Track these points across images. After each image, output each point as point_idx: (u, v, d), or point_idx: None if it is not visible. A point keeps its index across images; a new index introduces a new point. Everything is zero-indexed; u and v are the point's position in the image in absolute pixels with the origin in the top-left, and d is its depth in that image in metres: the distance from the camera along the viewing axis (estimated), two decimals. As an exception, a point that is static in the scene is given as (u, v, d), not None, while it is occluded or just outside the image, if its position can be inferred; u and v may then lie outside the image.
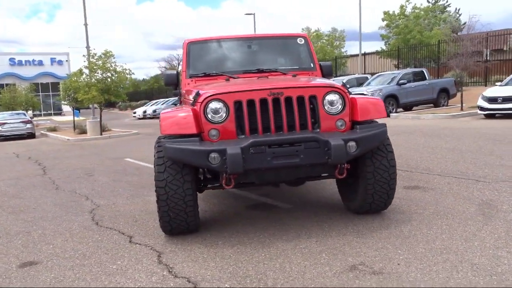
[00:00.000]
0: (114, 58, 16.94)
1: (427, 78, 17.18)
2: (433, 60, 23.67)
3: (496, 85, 13.93)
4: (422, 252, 3.17)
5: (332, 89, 3.74)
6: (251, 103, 3.60)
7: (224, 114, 3.59)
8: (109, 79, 16.78)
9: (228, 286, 2.84)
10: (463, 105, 15.15)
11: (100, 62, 16.53)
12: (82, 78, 16.99)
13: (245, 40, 5.13)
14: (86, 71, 17.05)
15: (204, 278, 2.98)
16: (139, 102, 45.50)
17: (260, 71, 4.78)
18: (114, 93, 16.80)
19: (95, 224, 4.53)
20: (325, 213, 4.30)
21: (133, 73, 18.22)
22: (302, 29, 38.48)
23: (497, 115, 12.81)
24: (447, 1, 35.98)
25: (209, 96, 3.60)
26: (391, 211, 4.18)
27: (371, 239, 3.51)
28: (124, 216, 4.74)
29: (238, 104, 3.60)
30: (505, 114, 12.41)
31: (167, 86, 5.06)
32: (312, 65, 5.03)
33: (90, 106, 19.97)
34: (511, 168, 5.72)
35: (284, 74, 4.78)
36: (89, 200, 5.70)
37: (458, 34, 27.42)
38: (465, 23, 32.06)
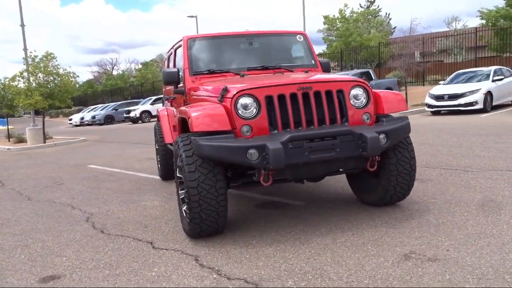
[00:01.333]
0: (56, 60, 15.97)
1: (373, 78, 17.95)
2: (372, 61, 24.86)
3: (440, 84, 14.91)
4: (462, 238, 3.28)
5: (357, 83, 3.77)
6: (281, 98, 3.54)
7: (255, 110, 3.49)
8: (51, 83, 15.77)
9: (291, 284, 2.76)
10: (407, 103, 16.05)
11: (42, 64, 15.48)
12: (21, 83, 15.82)
13: (246, 37, 5.05)
14: (25, 74, 15.89)
15: (262, 277, 2.87)
16: (72, 109, 43.23)
17: (264, 68, 4.73)
18: (58, 97, 15.79)
19: (101, 233, 4.21)
20: (342, 207, 4.33)
21: (77, 76, 17.24)
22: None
23: (442, 111, 13.69)
24: (378, 6, 37.91)
25: (240, 91, 3.49)
26: (405, 202, 4.29)
27: (404, 228, 3.58)
28: (129, 223, 4.45)
29: (268, 99, 3.52)
30: (450, 110, 13.30)
31: (167, 84, 4.83)
32: (313, 62, 5.05)
33: (27, 113, 18.63)
34: (488, 158, 6.11)
35: (290, 71, 4.77)
36: (76, 209, 5.29)
37: (389, 37, 29.04)
38: (395, 27, 34.05)
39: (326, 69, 5.08)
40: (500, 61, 20.52)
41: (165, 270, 3.15)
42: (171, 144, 6.01)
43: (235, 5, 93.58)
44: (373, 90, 3.88)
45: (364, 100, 3.77)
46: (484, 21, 23.44)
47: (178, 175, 3.95)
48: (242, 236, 3.72)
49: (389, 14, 36.72)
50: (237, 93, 3.48)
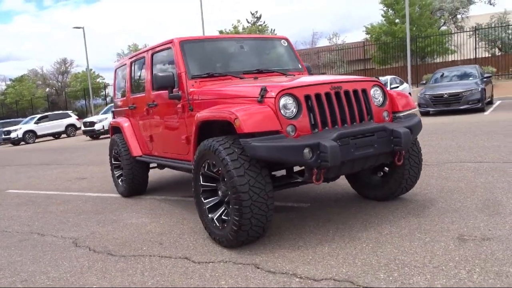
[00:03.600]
0: None
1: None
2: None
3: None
4: (500, 219, 3.58)
5: (375, 83, 3.96)
6: (317, 97, 3.56)
7: (295, 110, 3.46)
8: None
9: (384, 275, 2.77)
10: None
11: None
12: None
13: (236, 41, 4.96)
14: None
15: (350, 275, 2.83)
16: None
17: (259, 71, 4.70)
18: None
19: (110, 255, 3.73)
20: (355, 204, 4.46)
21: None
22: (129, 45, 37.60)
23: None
24: (264, 22, 39.65)
25: (281, 91, 3.43)
26: (415, 192, 4.58)
27: (431, 216, 3.83)
28: (135, 242, 4.01)
29: (306, 98, 3.51)
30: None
31: (160, 89, 4.49)
32: (300, 66, 5.16)
33: None
34: (469, 152, 6.82)
35: (283, 74, 4.81)
36: (47, 235, 4.59)
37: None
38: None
39: (310, 72, 5.23)
40: (382, 72, 22.98)
41: (235, 281, 2.92)
42: (140, 157, 5.61)
43: (111, 18, 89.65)
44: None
45: (381, 99, 3.97)
46: (369, 36, 26.05)
47: (203, 183, 3.72)
48: (281, 240, 3.61)
49: (274, 30, 38.68)
50: (279, 92, 3.41)
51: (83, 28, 30.44)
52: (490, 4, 31.03)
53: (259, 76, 4.60)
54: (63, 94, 43.02)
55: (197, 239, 3.89)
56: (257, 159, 3.31)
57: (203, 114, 3.77)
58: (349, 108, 3.70)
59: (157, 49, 5.00)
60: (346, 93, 3.71)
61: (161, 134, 5.01)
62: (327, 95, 3.60)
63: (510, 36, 27.72)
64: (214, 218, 3.65)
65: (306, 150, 3.20)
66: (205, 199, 3.78)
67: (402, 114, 4.16)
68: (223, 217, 3.55)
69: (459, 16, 31.63)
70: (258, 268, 3.11)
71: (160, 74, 4.36)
